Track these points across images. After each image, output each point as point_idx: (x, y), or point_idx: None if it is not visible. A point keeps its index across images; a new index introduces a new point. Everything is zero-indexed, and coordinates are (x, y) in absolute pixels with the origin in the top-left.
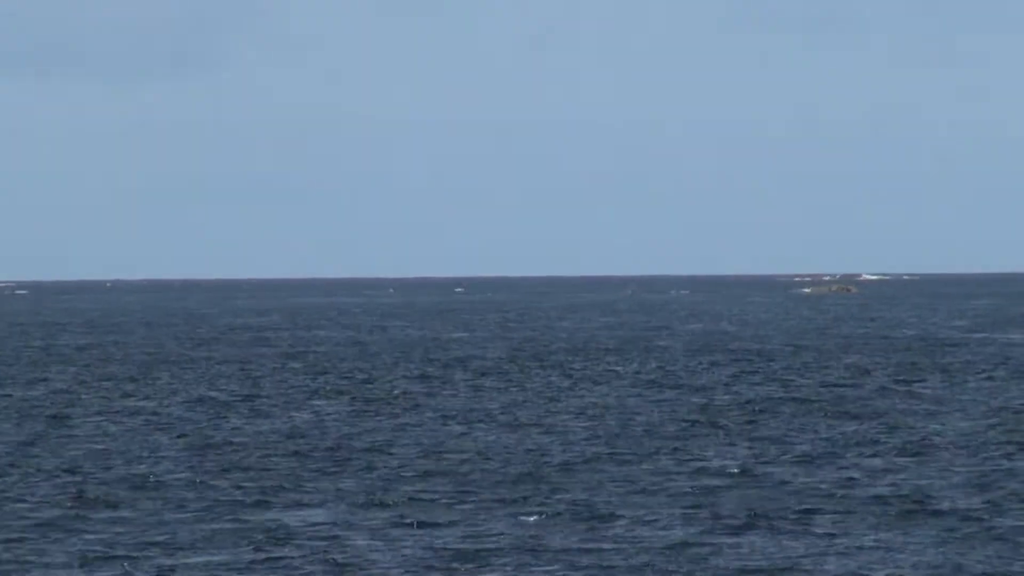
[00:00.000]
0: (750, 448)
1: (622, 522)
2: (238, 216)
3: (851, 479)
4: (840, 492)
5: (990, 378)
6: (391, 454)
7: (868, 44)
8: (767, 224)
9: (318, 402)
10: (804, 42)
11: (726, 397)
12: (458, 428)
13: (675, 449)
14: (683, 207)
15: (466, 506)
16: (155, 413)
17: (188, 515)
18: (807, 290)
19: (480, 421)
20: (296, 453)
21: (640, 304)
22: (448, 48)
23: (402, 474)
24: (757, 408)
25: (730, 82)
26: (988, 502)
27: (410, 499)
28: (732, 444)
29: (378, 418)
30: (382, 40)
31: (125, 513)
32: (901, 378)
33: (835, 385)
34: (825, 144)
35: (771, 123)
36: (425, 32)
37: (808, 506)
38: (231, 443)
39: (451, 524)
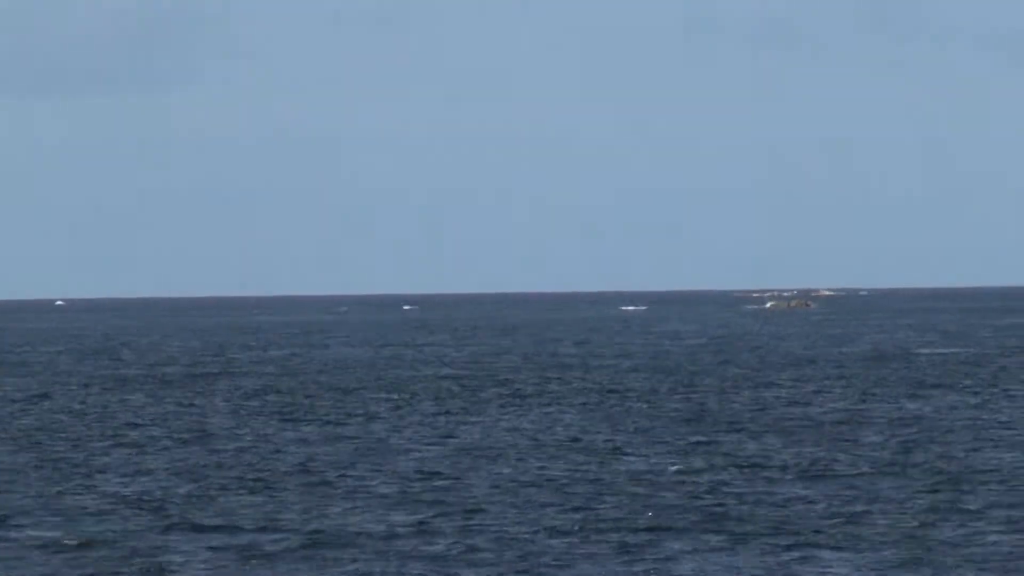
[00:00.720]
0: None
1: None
2: (186, 233)
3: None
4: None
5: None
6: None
7: (827, 59)
8: (724, 239)
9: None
10: (767, 55)
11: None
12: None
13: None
14: (637, 222)
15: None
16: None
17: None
18: (768, 305)
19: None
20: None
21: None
22: (402, 61)
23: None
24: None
25: (693, 95)
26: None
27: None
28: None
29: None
30: (332, 53)
31: None
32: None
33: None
34: (787, 159)
35: (734, 136)
36: (381, 44)
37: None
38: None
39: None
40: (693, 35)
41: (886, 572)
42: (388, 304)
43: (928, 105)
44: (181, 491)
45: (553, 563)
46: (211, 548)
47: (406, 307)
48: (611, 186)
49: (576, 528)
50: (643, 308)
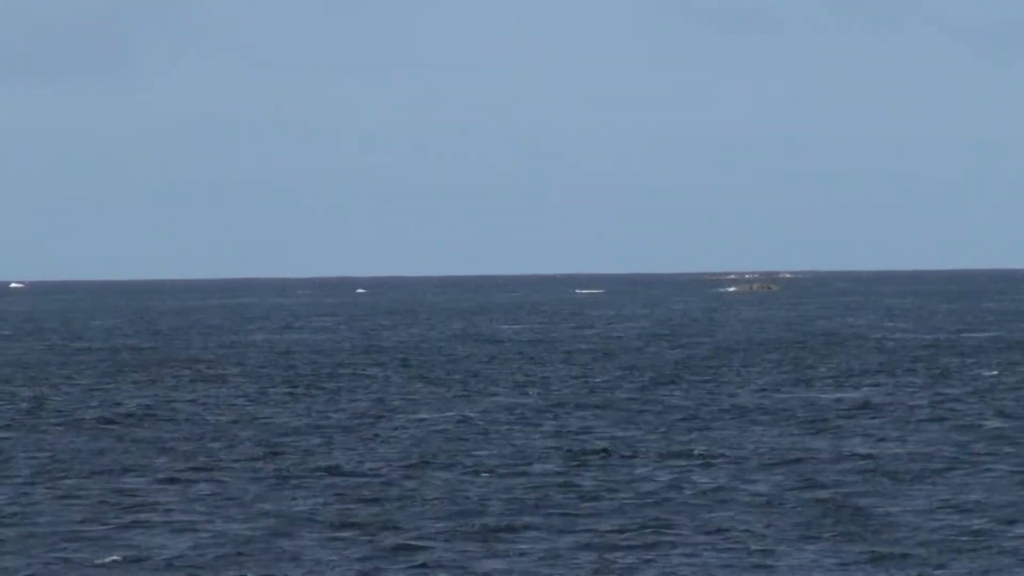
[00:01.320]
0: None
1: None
2: (136, 217)
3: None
4: None
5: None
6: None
7: (790, 43)
8: (688, 222)
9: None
10: (737, 39)
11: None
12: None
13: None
14: (600, 205)
15: None
16: None
17: None
18: (731, 289)
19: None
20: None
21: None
22: (364, 44)
23: None
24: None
25: (657, 80)
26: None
27: None
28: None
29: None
30: (294, 35)
31: None
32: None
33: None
34: (758, 143)
35: (700, 120)
36: (346, 27)
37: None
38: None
39: None
40: (665, 18)
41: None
42: (341, 287)
43: (893, 93)
44: None
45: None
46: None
47: (360, 290)
48: (573, 167)
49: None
50: (599, 291)
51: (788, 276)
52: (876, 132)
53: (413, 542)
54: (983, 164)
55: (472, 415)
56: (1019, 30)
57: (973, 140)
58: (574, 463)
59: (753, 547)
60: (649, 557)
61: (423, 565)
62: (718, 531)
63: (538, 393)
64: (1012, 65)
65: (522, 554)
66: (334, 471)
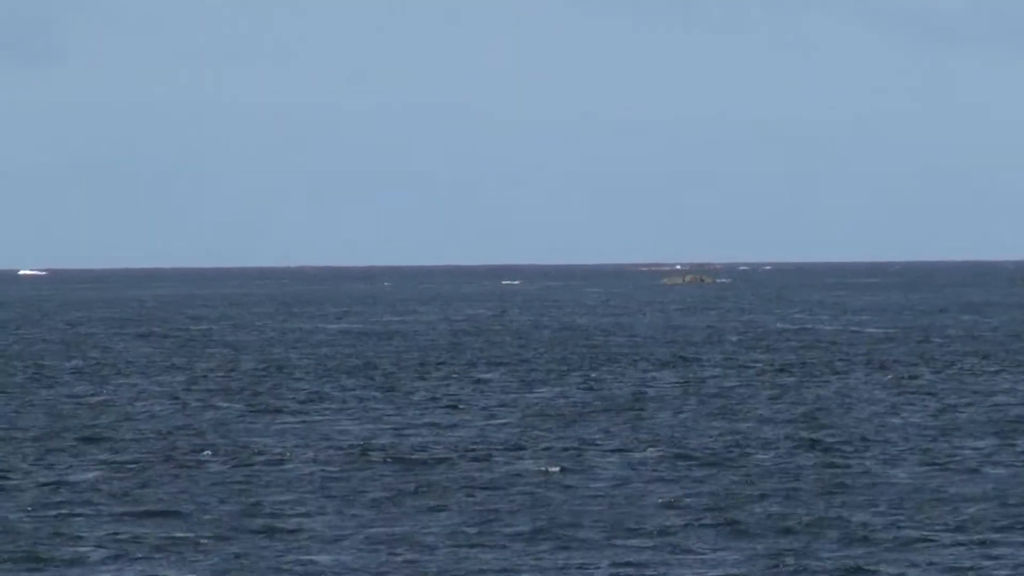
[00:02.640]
0: None
1: None
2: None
3: None
4: None
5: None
6: None
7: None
8: (620, 211)
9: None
10: (662, 27)
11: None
12: None
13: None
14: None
15: None
16: None
17: None
18: (664, 280)
19: None
20: None
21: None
22: (293, 29)
23: None
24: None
25: (589, 68)
26: None
27: None
28: None
29: None
30: (201, 22)
31: None
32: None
33: None
34: (704, 136)
35: (640, 107)
36: (252, 15)
37: None
38: None
39: None
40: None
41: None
42: (269, 277)
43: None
44: None
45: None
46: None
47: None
48: (502, 158)
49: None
50: (516, 283)
51: (719, 267)
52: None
53: None
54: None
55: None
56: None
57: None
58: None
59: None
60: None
61: None
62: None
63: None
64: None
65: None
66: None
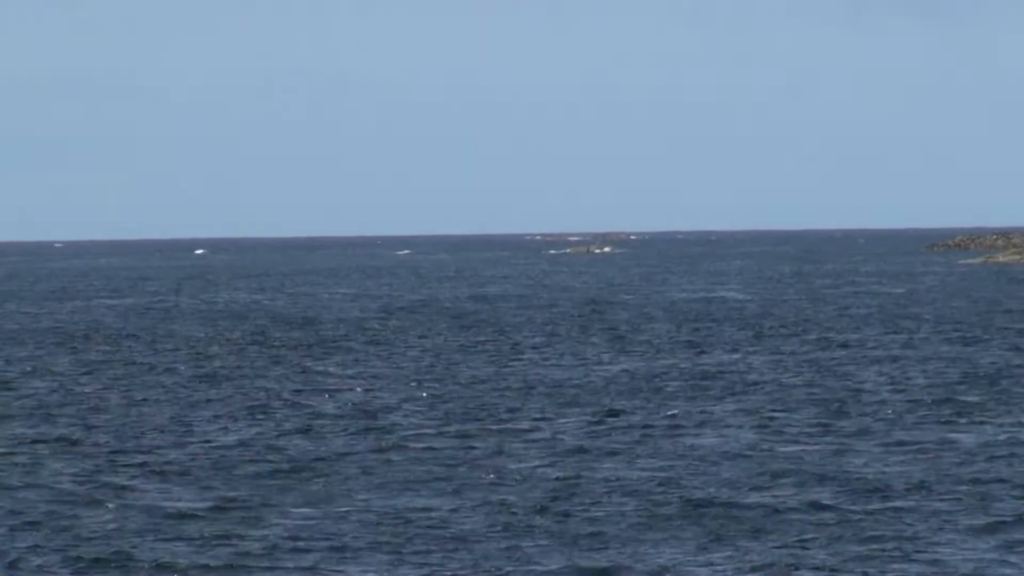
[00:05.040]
0: None
1: None
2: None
3: None
4: None
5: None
6: None
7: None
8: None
9: None
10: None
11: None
12: None
13: None
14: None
15: None
16: None
17: None
18: (568, 250)
19: None
20: None
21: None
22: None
23: None
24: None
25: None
26: None
27: None
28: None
29: None
30: None
31: None
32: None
33: None
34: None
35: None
36: None
37: None
38: None
39: None
40: None
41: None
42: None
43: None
44: None
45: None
46: None
47: (198, 251)
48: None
49: None
50: (407, 252)
51: (634, 238)
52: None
53: None
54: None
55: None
56: None
57: (819, 97)
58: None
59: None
60: None
61: None
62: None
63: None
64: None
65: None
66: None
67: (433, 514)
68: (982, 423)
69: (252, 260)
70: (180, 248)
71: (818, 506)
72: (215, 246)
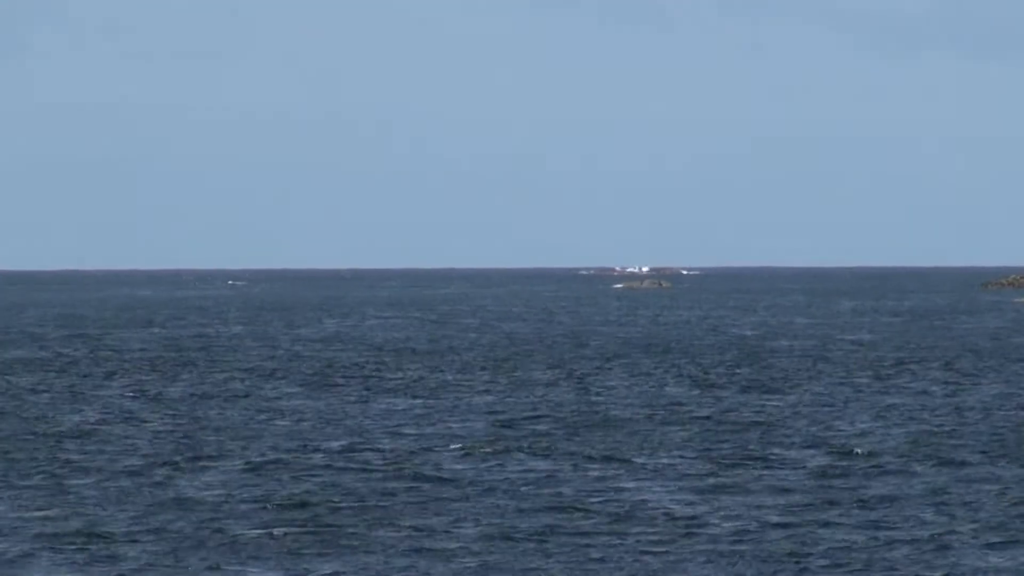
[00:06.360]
0: None
1: None
2: None
3: None
4: None
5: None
6: None
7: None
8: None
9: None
10: (618, 29)
11: None
12: None
13: None
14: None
15: None
16: None
17: None
18: (619, 285)
19: None
20: None
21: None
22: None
23: None
24: None
25: (540, 68)
26: None
27: None
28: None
29: None
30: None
31: None
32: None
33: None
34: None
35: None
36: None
37: None
38: None
39: None
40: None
41: None
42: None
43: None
44: None
45: None
46: None
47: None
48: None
49: None
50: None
51: (685, 272)
52: (775, 127)
53: None
54: (880, 159)
55: None
56: (907, 23)
57: (862, 134)
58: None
59: None
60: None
61: None
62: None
63: None
64: (902, 57)
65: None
66: None
67: None
68: None
69: (295, 291)
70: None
71: None
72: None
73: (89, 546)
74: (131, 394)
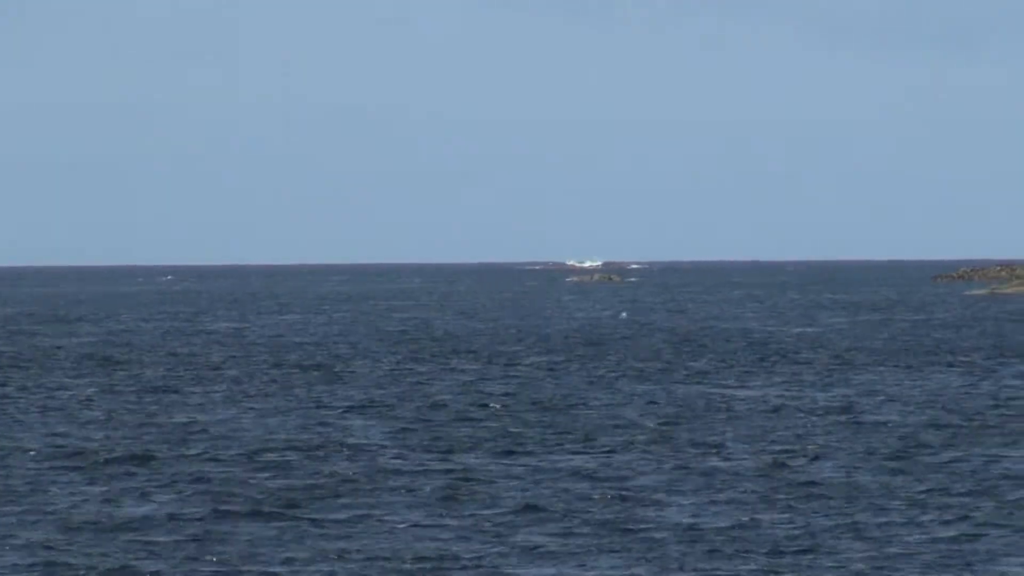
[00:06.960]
0: None
1: None
2: None
3: None
4: None
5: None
6: None
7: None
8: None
9: None
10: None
11: None
12: None
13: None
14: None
15: None
16: None
17: None
18: (571, 279)
19: None
20: None
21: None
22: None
23: None
24: None
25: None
26: None
27: None
28: None
29: None
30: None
31: None
32: None
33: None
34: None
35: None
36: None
37: None
38: None
39: None
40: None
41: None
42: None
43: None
44: None
45: None
46: None
47: (167, 277)
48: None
49: None
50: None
51: (635, 267)
52: (723, 116)
53: None
54: (830, 149)
55: None
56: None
57: (815, 125)
58: None
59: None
60: None
61: None
62: None
63: None
64: (844, 51)
65: None
66: None
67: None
68: None
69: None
70: (143, 274)
71: None
72: (177, 273)
73: None
74: None
